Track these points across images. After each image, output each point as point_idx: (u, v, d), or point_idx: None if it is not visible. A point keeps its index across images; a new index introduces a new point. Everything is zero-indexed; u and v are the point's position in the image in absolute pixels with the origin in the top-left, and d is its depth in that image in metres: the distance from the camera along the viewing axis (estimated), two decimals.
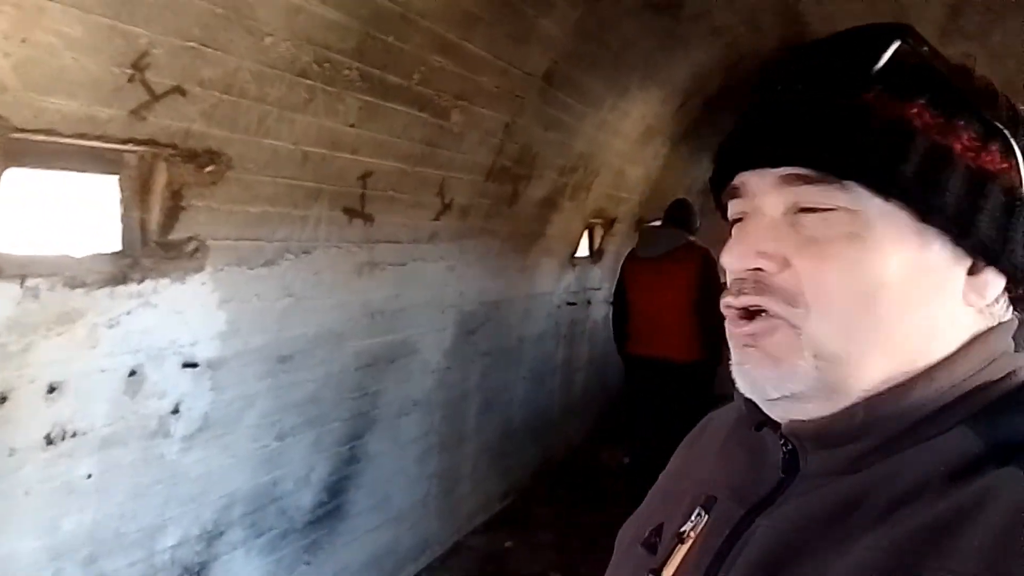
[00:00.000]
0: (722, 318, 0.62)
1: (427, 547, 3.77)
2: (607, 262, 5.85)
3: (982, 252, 0.55)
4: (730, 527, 0.59)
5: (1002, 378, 0.55)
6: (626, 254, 4.69)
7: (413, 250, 3.22)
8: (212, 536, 2.42)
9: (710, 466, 0.69)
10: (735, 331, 0.60)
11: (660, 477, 0.78)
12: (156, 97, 1.81)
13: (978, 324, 0.57)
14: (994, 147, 0.54)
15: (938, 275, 0.55)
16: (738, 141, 0.61)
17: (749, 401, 0.63)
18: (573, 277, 5.28)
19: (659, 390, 4.30)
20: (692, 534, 0.62)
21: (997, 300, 0.57)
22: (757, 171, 0.59)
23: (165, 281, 2.06)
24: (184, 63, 1.83)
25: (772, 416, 0.62)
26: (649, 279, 4.35)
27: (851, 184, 0.54)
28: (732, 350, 0.61)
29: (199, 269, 2.14)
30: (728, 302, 0.60)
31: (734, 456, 0.66)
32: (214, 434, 2.34)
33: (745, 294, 0.58)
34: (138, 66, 1.73)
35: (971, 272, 0.56)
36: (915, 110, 0.54)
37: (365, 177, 2.70)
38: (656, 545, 0.65)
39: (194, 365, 2.18)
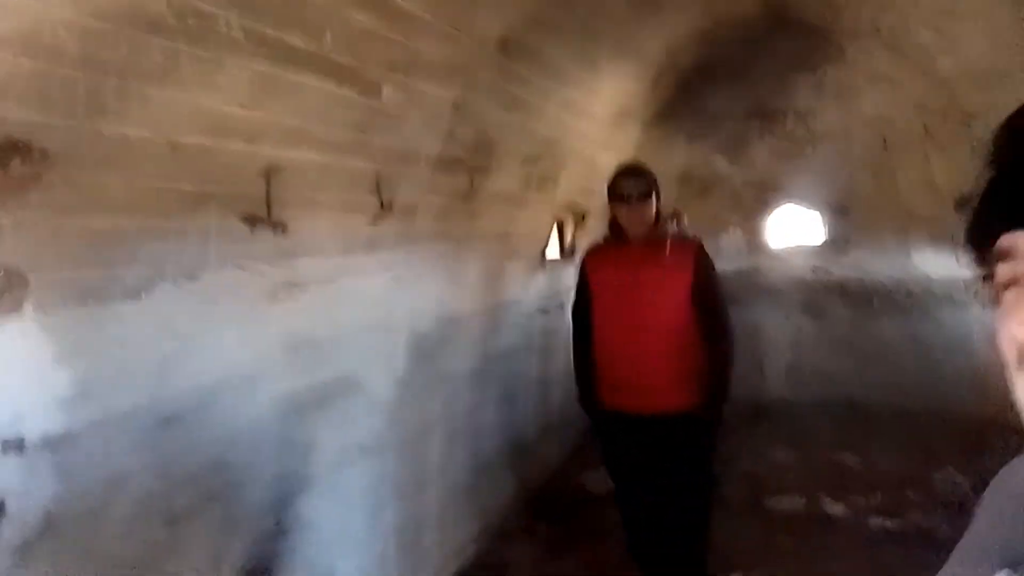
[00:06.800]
0: None
1: None
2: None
3: None
4: None
5: None
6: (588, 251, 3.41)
7: (346, 263, 2.59)
8: None
9: (1018, 520, 0.61)
10: None
11: (964, 535, 0.67)
12: None
13: None
14: None
15: None
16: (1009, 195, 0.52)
17: None
18: (544, 280, 4.68)
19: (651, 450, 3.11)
20: None
21: None
22: None
23: None
24: None
25: None
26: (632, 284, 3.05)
27: None
28: None
29: (14, 311, 1.49)
30: None
31: None
32: (65, 536, 1.69)
33: None
34: None
35: None
36: None
37: (270, 173, 2.07)
38: None
39: (19, 447, 1.54)
